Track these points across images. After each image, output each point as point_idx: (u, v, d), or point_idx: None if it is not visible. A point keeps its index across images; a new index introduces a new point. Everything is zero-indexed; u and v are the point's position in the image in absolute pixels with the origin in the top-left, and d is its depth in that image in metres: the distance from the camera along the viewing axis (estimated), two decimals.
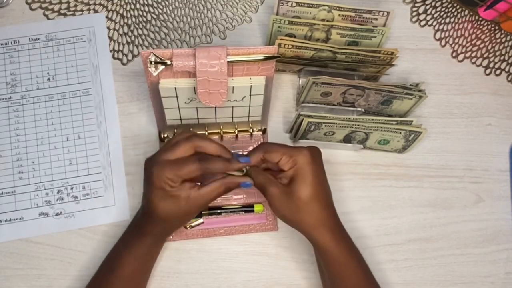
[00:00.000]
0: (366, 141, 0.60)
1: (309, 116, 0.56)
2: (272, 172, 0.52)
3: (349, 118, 0.57)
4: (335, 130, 0.58)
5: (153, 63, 0.49)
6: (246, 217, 0.60)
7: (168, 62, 0.49)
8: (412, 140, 0.59)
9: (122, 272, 0.52)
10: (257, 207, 0.60)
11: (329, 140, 0.60)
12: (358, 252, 0.52)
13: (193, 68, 0.49)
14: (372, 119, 0.57)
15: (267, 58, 0.50)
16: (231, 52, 0.49)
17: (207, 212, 0.59)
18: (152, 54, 0.49)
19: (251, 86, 0.52)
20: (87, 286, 0.53)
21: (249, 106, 0.56)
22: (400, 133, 0.58)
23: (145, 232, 0.52)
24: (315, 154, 0.50)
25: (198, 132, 0.61)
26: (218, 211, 0.59)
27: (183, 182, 0.48)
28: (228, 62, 0.49)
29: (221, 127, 0.60)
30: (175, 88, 0.52)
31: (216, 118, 0.59)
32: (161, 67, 0.49)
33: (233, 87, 0.52)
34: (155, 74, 0.49)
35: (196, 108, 0.56)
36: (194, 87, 0.51)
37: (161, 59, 0.49)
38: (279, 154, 0.49)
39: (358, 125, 0.57)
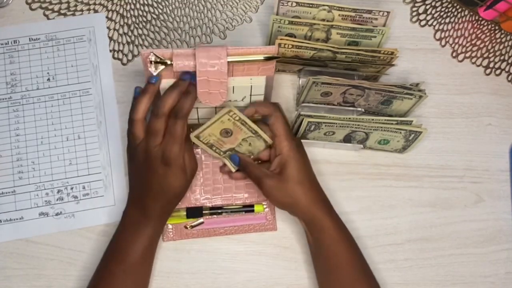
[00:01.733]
0: (366, 141, 0.60)
1: (309, 116, 0.56)
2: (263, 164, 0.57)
3: (349, 118, 0.57)
4: (335, 130, 0.58)
5: (153, 63, 0.49)
6: (246, 217, 0.60)
7: (168, 62, 0.49)
8: (412, 140, 0.59)
9: (131, 258, 0.52)
10: (258, 207, 0.60)
11: (329, 140, 0.60)
12: (347, 229, 0.56)
13: (193, 68, 0.49)
14: (372, 119, 0.57)
15: (267, 59, 0.50)
16: (231, 52, 0.49)
17: (207, 212, 0.59)
18: (152, 53, 0.49)
19: (251, 86, 0.52)
20: (95, 277, 0.53)
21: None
22: (400, 133, 0.58)
23: (150, 214, 0.53)
24: (296, 144, 0.55)
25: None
26: (219, 211, 0.59)
27: None
28: (228, 62, 0.49)
29: None
30: None
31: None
32: (161, 67, 0.49)
33: (233, 87, 0.52)
34: (155, 74, 0.49)
35: (197, 108, 0.56)
36: None
37: (161, 59, 0.49)
38: (281, 129, 0.54)
39: (358, 125, 0.57)
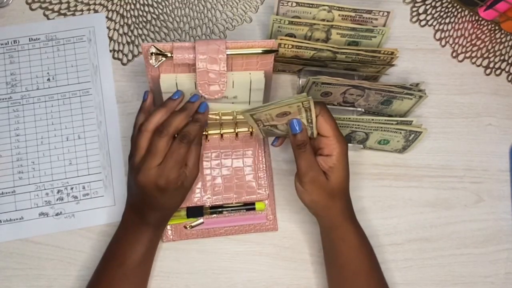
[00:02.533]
0: (366, 141, 0.60)
1: None
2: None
3: (349, 118, 0.57)
4: None
5: (153, 54, 0.49)
6: (247, 217, 0.60)
7: (169, 54, 0.49)
8: (412, 140, 0.59)
9: (131, 261, 0.52)
10: (259, 205, 0.59)
11: None
12: (366, 237, 0.55)
13: (193, 60, 0.49)
14: (372, 119, 0.57)
15: (266, 52, 0.50)
16: (230, 46, 0.50)
17: (208, 211, 0.59)
18: (152, 46, 0.49)
19: (250, 80, 0.53)
20: (93, 279, 0.53)
21: (249, 102, 0.56)
22: (400, 133, 0.58)
23: (149, 222, 0.53)
24: (347, 149, 0.52)
25: None
26: (220, 209, 0.59)
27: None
28: (227, 55, 0.50)
29: (221, 127, 0.60)
30: (175, 81, 0.52)
31: (217, 115, 0.59)
32: (161, 59, 0.49)
33: (232, 81, 0.52)
34: (155, 65, 0.50)
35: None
36: (195, 82, 0.51)
37: (161, 51, 0.49)
38: (330, 131, 0.50)
39: (358, 125, 0.57)
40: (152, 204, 0.52)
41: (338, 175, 0.51)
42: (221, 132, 0.61)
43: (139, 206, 0.53)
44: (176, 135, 0.52)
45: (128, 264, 0.52)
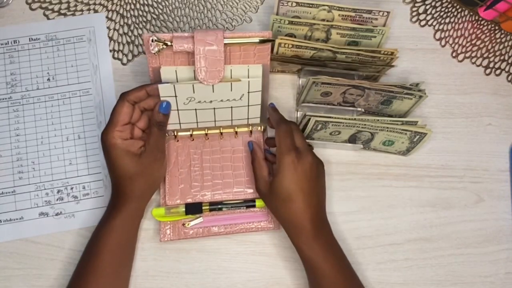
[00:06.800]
0: (371, 142, 0.60)
1: (316, 116, 0.56)
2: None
3: (355, 118, 0.57)
4: (341, 130, 0.58)
5: (154, 41, 0.50)
6: (247, 215, 0.60)
7: (169, 43, 0.50)
8: (416, 141, 0.59)
9: (103, 250, 0.52)
10: (259, 202, 0.59)
11: (334, 140, 0.60)
12: (349, 267, 0.53)
13: (192, 48, 0.50)
14: (378, 119, 0.57)
15: (262, 41, 0.51)
16: (228, 36, 0.51)
17: (207, 208, 0.59)
18: (153, 35, 0.50)
19: (248, 73, 0.53)
20: (74, 276, 0.54)
21: (248, 105, 0.56)
22: (406, 134, 0.57)
23: (118, 206, 0.53)
24: (295, 156, 0.52)
25: (197, 133, 0.61)
26: (219, 206, 0.59)
27: (133, 140, 0.53)
28: (225, 44, 0.51)
29: (221, 129, 0.60)
30: (175, 73, 0.52)
31: (215, 121, 0.59)
32: (162, 46, 0.50)
33: (231, 72, 0.53)
34: (155, 52, 0.50)
35: (195, 109, 0.56)
36: (194, 73, 0.52)
37: (161, 40, 0.50)
38: (277, 141, 0.53)
39: (365, 125, 0.56)
40: (111, 167, 0.53)
41: (277, 183, 0.52)
42: (221, 131, 0.61)
43: (112, 190, 0.55)
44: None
45: (100, 246, 0.52)
